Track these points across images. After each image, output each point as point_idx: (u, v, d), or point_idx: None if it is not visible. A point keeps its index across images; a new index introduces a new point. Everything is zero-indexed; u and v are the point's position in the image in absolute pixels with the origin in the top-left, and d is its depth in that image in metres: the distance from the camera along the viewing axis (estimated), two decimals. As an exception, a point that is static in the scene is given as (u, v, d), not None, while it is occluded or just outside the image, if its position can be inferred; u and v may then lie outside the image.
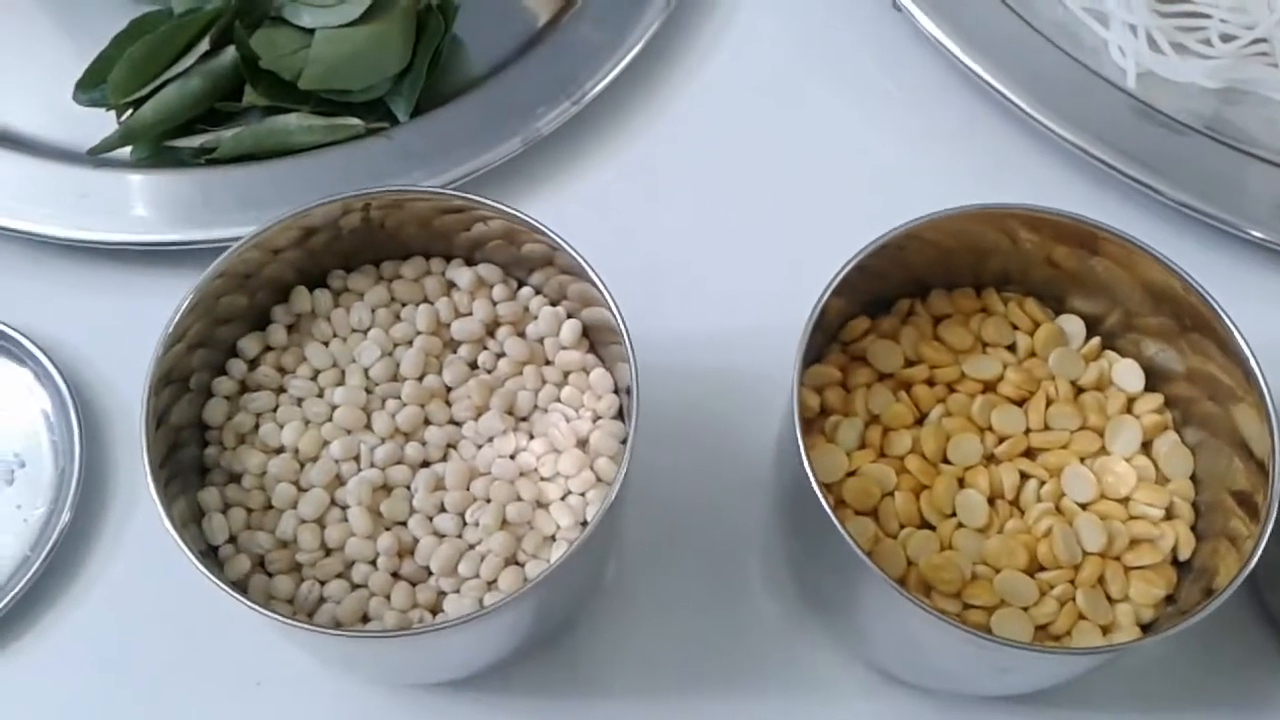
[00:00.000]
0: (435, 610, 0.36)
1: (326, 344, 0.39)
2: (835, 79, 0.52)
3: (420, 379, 0.39)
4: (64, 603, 0.42)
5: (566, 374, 0.39)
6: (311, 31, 0.49)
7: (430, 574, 0.37)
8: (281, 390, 0.39)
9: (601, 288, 0.36)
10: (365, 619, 0.36)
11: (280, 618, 0.32)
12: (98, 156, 0.48)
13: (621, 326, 0.35)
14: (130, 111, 0.48)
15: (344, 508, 0.37)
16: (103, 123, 0.48)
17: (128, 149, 0.48)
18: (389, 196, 0.38)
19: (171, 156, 0.48)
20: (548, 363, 0.40)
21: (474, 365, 0.39)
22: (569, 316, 0.40)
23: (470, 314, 0.40)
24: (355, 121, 0.48)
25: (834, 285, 0.36)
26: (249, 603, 0.32)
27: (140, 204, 0.47)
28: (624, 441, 0.38)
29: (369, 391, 0.38)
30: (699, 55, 0.53)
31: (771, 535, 0.43)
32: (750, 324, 0.45)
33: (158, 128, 0.48)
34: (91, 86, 0.49)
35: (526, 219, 0.37)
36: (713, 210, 0.49)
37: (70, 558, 0.42)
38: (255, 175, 0.47)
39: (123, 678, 0.41)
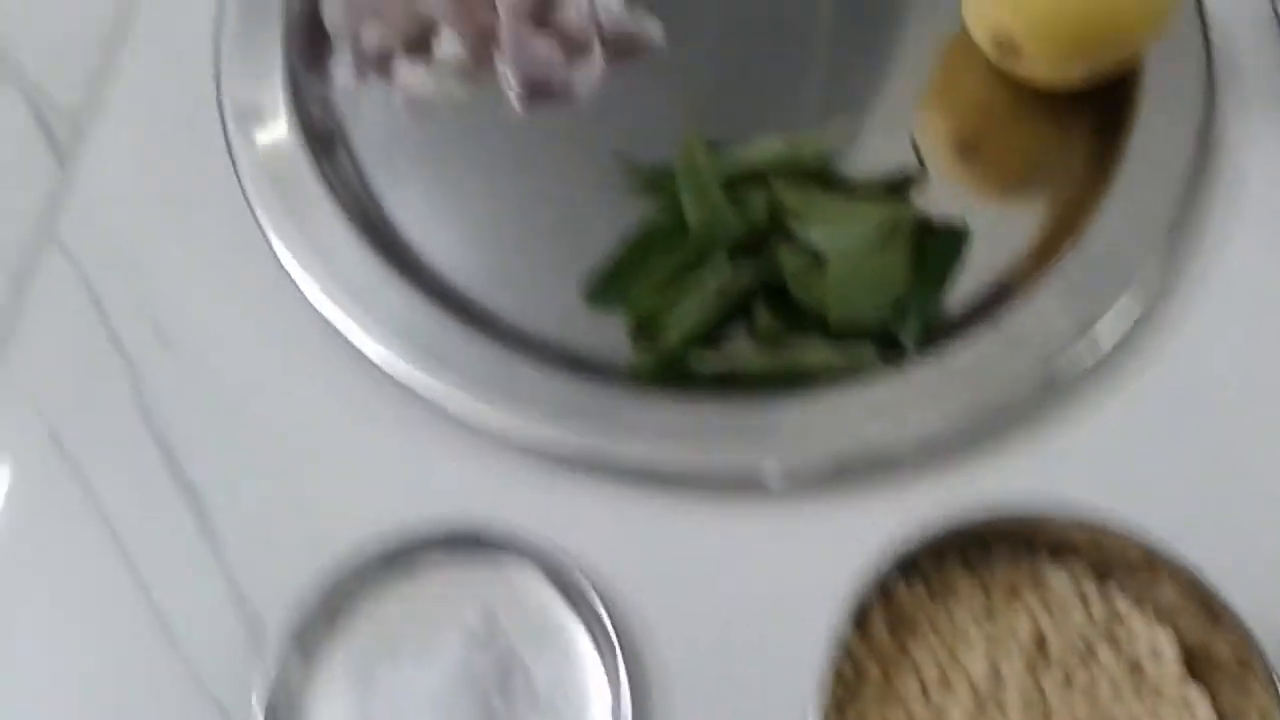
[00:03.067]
0: None
1: (927, 638, 0.39)
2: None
3: (1021, 692, 0.38)
4: None
5: (1163, 696, 0.39)
6: (818, 254, 0.49)
7: None
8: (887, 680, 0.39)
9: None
10: None
11: None
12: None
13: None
14: (636, 324, 0.49)
15: (958, 826, 0.37)
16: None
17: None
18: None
19: (673, 372, 0.48)
20: (1145, 685, 0.39)
21: (1068, 675, 0.39)
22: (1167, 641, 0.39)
23: (1066, 621, 0.39)
24: (870, 352, 0.47)
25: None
26: None
27: (667, 427, 0.46)
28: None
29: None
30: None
31: None
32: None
33: (682, 345, 0.48)
34: (604, 295, 0.50)
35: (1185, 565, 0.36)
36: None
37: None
38: (772, 406, 0.47)
39: None
